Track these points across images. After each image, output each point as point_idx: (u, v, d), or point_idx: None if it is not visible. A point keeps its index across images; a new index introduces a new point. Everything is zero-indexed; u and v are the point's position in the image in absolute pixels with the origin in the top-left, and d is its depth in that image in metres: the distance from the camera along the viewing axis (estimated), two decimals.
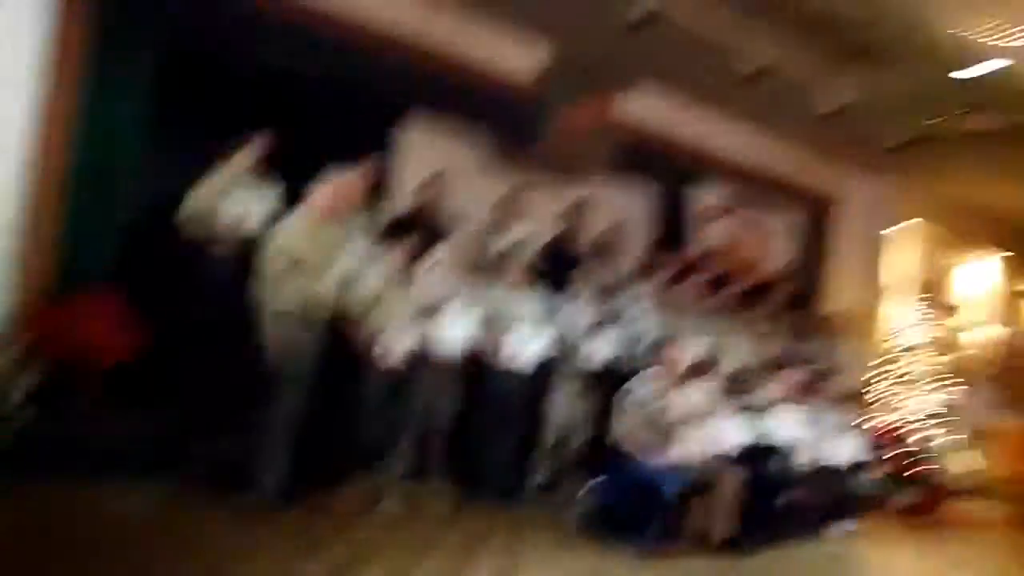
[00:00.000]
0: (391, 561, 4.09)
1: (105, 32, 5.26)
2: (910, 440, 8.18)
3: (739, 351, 6.40)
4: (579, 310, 5.96)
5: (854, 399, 7.29)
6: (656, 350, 5.51)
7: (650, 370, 5.39)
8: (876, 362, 8.70)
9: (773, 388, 5.96)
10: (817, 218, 9.44)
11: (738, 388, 5.87)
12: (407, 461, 5.27)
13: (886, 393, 8.50)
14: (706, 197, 8.51)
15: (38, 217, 5.05)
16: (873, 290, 9.46)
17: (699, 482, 5.15)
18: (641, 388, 5.22)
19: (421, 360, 5.22)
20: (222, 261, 5.16)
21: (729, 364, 6.12)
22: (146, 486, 4.45)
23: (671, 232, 8.30)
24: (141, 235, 5.37)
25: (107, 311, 4.87)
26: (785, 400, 6.02)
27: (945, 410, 8.46)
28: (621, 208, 7.79)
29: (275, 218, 4.98)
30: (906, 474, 8.01)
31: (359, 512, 4.85)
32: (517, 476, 5.74)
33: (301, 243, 4.71)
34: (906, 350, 8.64)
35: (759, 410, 5.80)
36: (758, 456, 5.64)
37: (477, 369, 5.54)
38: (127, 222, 5.38)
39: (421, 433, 5.31)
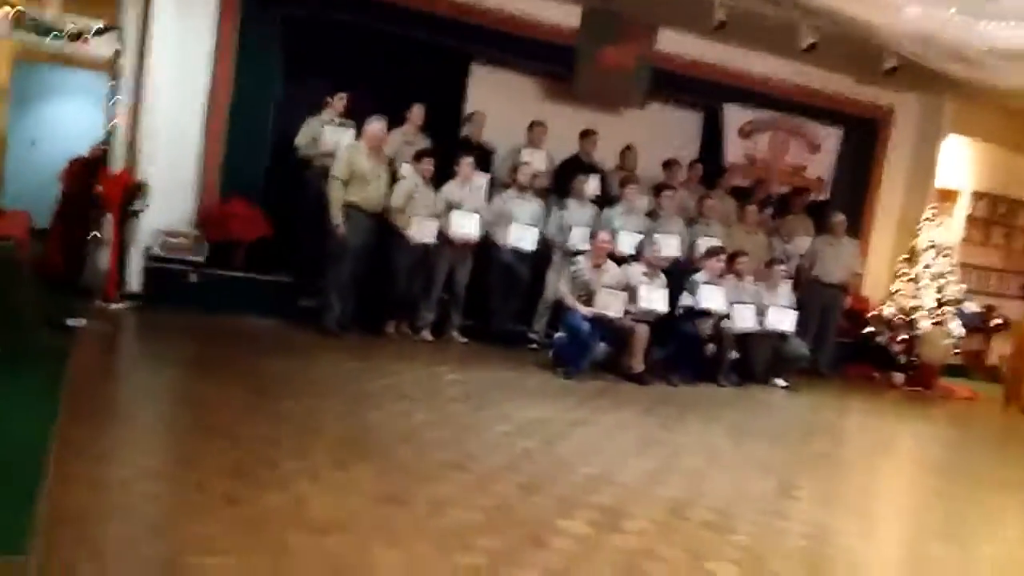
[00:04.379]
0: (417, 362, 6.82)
1: (246, 22, 8.06)
2: (919, 324, 9.40)
3: (707, 242, 8.18)
4: (578, 210, 8.11)
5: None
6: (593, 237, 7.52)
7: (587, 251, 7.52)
8: (903, 257, 9.89)
9: (710, 269, 7.77)
10: (867, 133, 10.52)
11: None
12: (434, 312, 7.85)
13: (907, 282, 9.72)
14: (744, 115, 9.98)
15: (211, 146, 8.05)
16: (919, 198, 10.44)
17: (616, 332, 7.22)
18: (579, 262, 7.34)
19: (444, 240, 7.66)
20: (319, 171, 7.87)
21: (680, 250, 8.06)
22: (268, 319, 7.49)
23: (711, 148, 9.95)
24: (273, 156, 8.25)
25: (248, 209, 7.81)
26: (723, 278, 7.83)
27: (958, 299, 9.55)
28: (658, 130, 9.63)
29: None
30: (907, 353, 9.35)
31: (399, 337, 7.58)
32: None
33: (359, 161, 7.30)
34: (932, 247, 9.69)
35: (693, 285, 7.66)
36: (691, 317, 7.56)
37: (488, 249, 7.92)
38: (265, 148, 8.25)
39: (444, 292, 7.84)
